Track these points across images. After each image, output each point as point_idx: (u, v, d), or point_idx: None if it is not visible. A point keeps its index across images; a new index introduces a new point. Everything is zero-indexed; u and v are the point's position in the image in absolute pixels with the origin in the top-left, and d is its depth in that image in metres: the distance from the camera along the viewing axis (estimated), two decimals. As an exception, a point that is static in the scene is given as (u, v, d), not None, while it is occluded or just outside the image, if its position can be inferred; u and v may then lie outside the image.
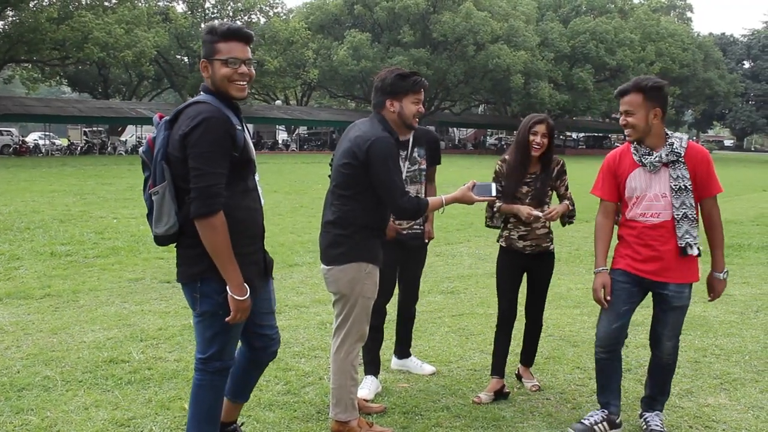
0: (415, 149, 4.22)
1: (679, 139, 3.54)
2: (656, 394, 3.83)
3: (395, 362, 4.76)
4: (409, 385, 4.49)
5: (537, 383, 4.48)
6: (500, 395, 4.29)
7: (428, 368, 4.71)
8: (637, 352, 5.24)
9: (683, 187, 3.50)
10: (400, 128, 3.65)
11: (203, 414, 3.07)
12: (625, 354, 5.13)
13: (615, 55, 52.58)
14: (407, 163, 4.17)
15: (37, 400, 4.03)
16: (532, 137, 4.22)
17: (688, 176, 3.50)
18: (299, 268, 7.96)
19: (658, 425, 3.76)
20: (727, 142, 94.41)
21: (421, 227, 4.40)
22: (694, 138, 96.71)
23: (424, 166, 4.28)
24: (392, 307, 4.58)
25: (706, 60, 63.53)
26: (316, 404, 4.10)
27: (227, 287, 2.87)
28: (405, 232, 4.31)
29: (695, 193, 3.53)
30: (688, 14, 73.16)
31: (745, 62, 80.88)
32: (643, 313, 6.32)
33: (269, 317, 3.26)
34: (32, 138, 44.93)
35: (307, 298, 6.66)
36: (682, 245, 3.55)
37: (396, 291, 4.55)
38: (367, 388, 4.29)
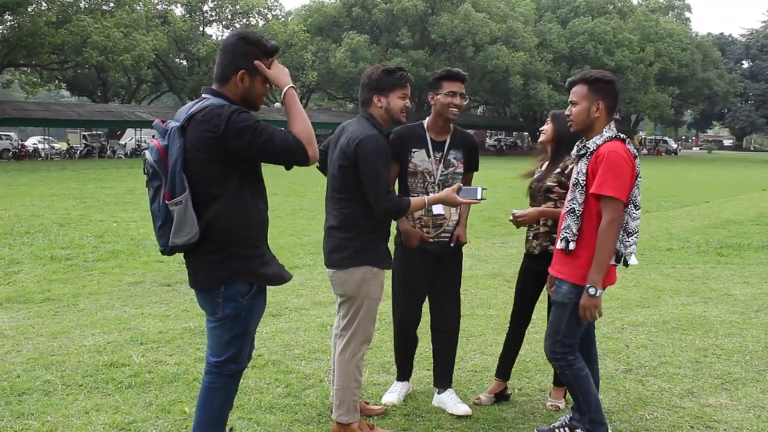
0: (451, 152, 4.05)
1: (600, 136, 3.36)
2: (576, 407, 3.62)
3: (435, 398, 4.23)
4: (411, 387, 4.48)
5: (559, 405, 4.18)
6: (501, 397, 4.28)
7: (462, 408, 4.06)
8: (638, 352, 5.23)
9: (578, 181, 3.38)
10: (388, 123, 3.64)
11: (212, 417, 3.07)
12: (625, 354, 5.16)
13: (614, 55, 52.60)
14: (441, 165, 4.02)
15: (37, 404, 4.02)
16: (540, 129, 4.19)
17: (585, 172, 3.35)
18: (299, 270, 7.96)
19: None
20: (727, 142, 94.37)
21: (449, 235, 4.05)
22: (692, 138, 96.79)
23: (460, 170, 4.06)
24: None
25: (704, 60, 63.56)
26: (316, 407, 4.09)
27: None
28: (431, 239, 4.01)
29: (589, 189, 3.33)
30: (687, 14, 73.15)
31: (743, 62, 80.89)
32: (644, 314, 6.34)
33: None
34: (31, 142, 44.87)
35: (308, 300, 6.65)
36: (561, 237, 3.43)
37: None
38: (396, 393, 4.23)
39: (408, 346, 4.30)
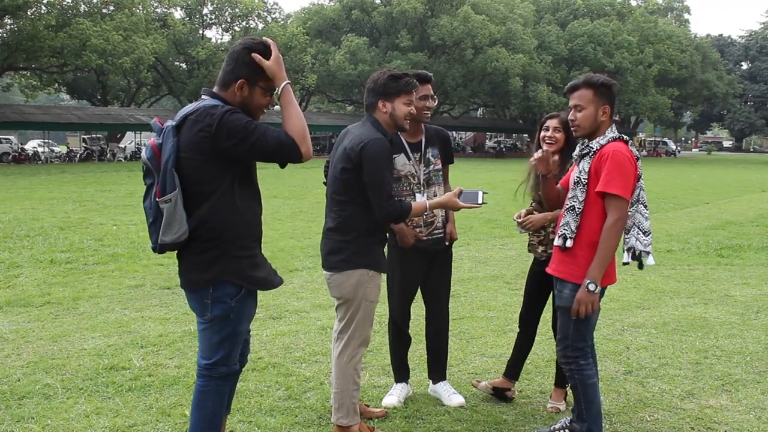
0: (429, 150, 4.13)
1: (604, 137, 3.38)
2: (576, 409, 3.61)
3: (430, 387, 4.42)
4: (410, 389, 4.47)
5: (559, 407, 4.19)
6: (501, 395, 4.28)
7: (457, 399, 4.23)
8: (638, 354, 5.23)
9: (579, 180, 3.39)
10: (392, 129, 3.64)
11: (206, 420, 3.07)
12: (626, 356, 5.16)
13: (613, 57, 52.65)
14: (422, 165, 4.10)
15: (37, 408, 4.02)
16: (543, 133, 4.08)
17: (587, 170, 3.37)
18: (299, 273, 7.95)
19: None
20: (726, 143, 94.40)
21: (441, 231, 4.16)
22: (692, 140, 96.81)
23: (439, 167, 4.17)
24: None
25: (704, 61, 63.63)
26: (317, 409, 4.09)
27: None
28: (425, 237, 4.08)
29: (591, 188, 3.35)
30: (686, 16, 73.19)
31: (743, 63, 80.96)
32: (644, 315, 6.34)
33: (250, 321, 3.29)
34: (31, 145, 44.90)
35: (308, 303, 6.65)
36: (559, 234, 3.45)
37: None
38: (396, 395, 4.24)
39: (401, 344, 4.34)
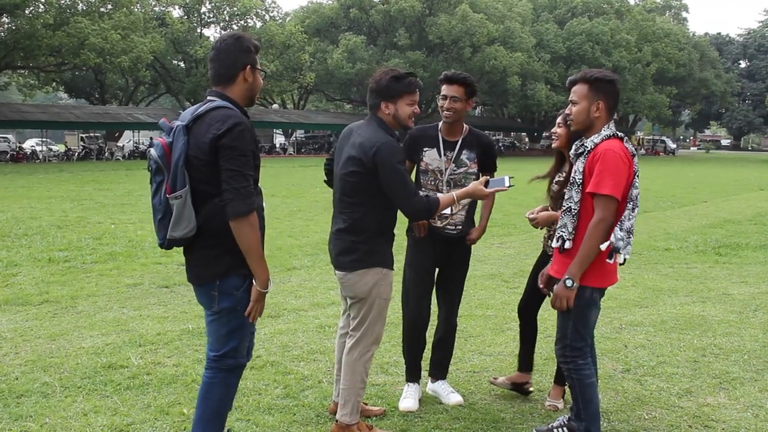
0: (464, 151, 4.14)
1: (599, 135, 3.37)
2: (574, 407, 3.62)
3: (429, 386, 4.40)
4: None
5: (557, 405, 4.19)
6: (520, 389, 4.29)
7: (455, 398, 4.24)
8: (636, 352, 5.24)
9: (574, 180, 3.39)
10: (397, 128, 3.63)
11: (212, 413, 3.11)
12: (624, 354, 5.16)
13: (611, 56, 52.63)
14: (452, 164, 4.11)
15: (35, 406, 4.02)
16: (552, 132, 4.13)
17: (581, 170, 3.37)
18: (297, 271, 7.95)
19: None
20: (724, 142, 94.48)
21: (455, 229, 4.14)
22: (690, 138, 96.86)
23: (473, 170, 4.13)
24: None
25: (702, 60, 63.69)
26: (315, 408, 4.09)
27: (254, 281, 2.97)
28: (439, 224, 4.10)
29: (586, 188, 3.35)
30: (684, 14, 73.28)
31: (741, 62, 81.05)
32: (642, 313, 6.35)
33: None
34: (29, 144, 44.84)
35: (306, 301, 6.65)
36: (557, 235, 3.46)
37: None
38: (413, 397, 4.20)
39: (418, 347, 4.30)
